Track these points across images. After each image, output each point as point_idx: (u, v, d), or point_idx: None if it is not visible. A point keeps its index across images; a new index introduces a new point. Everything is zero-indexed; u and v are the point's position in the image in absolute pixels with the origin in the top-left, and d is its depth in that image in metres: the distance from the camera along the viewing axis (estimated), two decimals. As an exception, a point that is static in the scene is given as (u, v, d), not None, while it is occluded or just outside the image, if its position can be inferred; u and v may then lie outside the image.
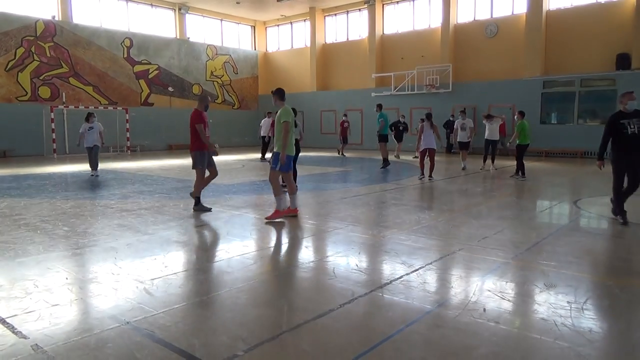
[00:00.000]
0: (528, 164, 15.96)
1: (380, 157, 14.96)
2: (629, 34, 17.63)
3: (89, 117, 12.47)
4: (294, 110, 9.22)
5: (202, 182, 7.64)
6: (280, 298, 3.86)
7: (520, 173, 11.73)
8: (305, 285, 4.26)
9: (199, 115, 7.42)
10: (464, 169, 13.78)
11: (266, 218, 6.89)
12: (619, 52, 17.82)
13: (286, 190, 7.23)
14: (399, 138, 18.45)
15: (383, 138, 14.67)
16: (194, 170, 7.60)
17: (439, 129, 12.17)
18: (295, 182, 9.33)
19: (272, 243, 5.85)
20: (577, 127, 18.58)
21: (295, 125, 8.89)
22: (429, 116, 11.59)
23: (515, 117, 11.84)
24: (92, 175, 12.31)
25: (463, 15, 22.11)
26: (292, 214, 7.08)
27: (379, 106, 15.11)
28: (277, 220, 6.80)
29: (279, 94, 7.04)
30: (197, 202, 7.58)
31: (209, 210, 7.51)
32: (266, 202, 8.51)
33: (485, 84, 20.80)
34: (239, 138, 28.26)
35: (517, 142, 11.69)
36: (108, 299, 3.80)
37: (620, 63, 17.71)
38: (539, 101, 19.15)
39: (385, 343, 3.03)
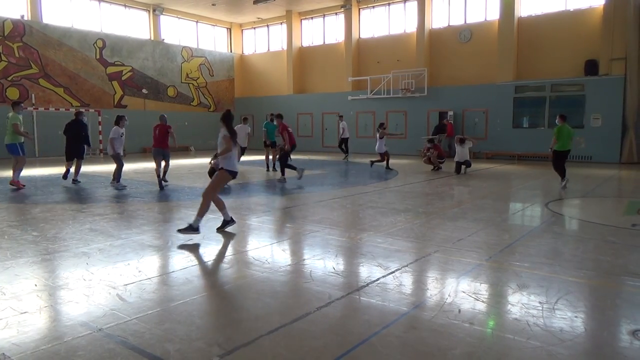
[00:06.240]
0: (500, 167, 16.29)
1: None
2: (597, 41, 18.19)
3: (120, 120, 10.94)
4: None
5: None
6: (256, 302, 3.83)
7: (562, 179, 10.50)
8: (282, 288, 4.24)
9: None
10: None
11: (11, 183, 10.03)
12: (588, 58, 18.38)
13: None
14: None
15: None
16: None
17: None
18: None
19: (249, 246, 5.81)
20: (548, 131, 18.98)
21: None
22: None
23: (557, 120, 10.76)
24: (123, 187, 10.75)
25: (438, 20, 22.45)
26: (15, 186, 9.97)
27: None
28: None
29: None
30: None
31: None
32: (243, 205, 8.45)
33: (460, 88, 21.14)
34: (215, 141, 27.95)
35: (555, 147, 10.54)
36: (79, 306, 3.70)
37: (589, 69, 18.27)
38: (511, 105, 19.55)
39: (362, 346, 3.04)
